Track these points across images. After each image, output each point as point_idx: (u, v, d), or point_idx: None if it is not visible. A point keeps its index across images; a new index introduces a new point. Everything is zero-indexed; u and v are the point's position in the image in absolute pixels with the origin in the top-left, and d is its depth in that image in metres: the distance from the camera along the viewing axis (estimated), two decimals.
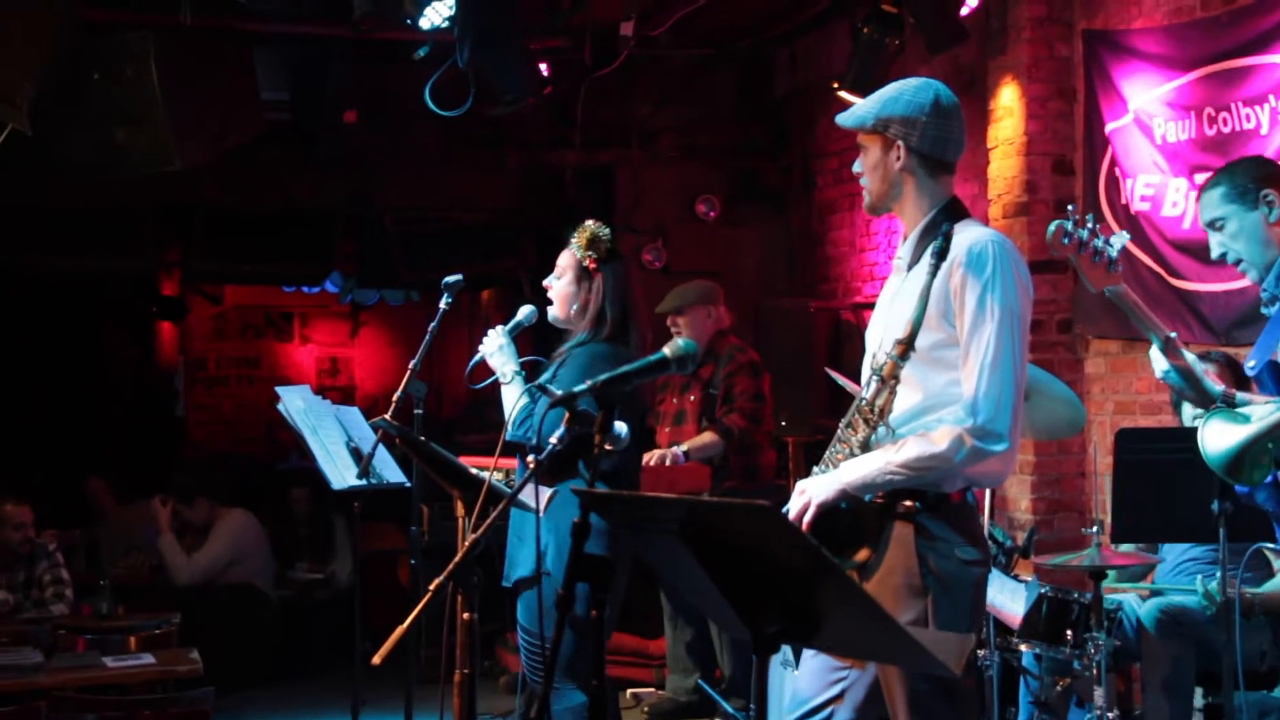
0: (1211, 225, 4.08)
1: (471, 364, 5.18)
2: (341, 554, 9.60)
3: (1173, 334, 3.76)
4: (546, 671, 2.85)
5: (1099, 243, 3.52)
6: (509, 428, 4.88)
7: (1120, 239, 3.60)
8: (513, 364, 5.11)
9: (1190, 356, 3.81)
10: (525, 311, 5.25)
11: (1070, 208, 3.56)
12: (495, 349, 5.15)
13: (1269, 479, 3.87)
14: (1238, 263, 4.02)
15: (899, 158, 3.71)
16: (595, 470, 3.04)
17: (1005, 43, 7.48)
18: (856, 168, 3.83)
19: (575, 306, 5.20)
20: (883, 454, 3.56)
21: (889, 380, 3.53)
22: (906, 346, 3.49)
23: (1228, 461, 3.74)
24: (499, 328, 5.21)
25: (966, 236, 3.59)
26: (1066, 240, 3.49)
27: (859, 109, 3.79)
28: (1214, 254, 4.11)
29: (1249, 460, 3.70)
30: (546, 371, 5.14)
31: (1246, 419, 3.68)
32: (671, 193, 10.38)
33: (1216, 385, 3.81)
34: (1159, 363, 3.77)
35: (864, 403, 3.59)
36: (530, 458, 4.66)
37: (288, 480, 10.57)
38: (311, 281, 13.88)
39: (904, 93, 3.74)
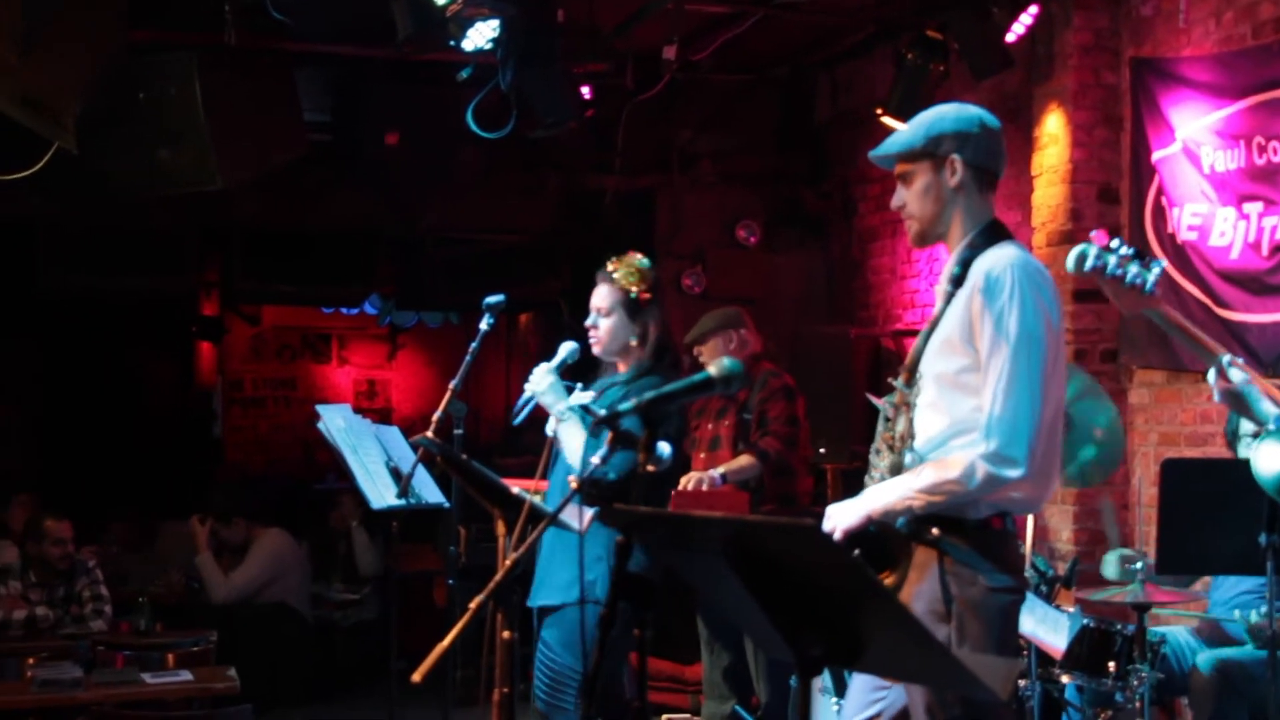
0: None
1: (520, 403, 5.08)
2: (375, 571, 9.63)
3: (1225, 356, 3.60)
4: (587, 692, 2.82)
5: (1132, 268, 3.40)
6: (578, 465, 4.83)
7: (1158, 266, 3.46)
8: (564, 400, 5.01)
9: (1240, 376, 3.64)
10: (568, 349, 5.14)
11: (1093, 233, 3.45)
12: (546, 387, 5.04)
13: None
14: None
15: (954, 173, 3.69)
16: (639, 490, 3.02)
17: (1052, 70, 7.44)
18: (896, 201, 3.78)
19: (634, 339, 5.12)
20: (905, 480, 3.58)
21: (901, 407, 3.57)
22: (910, 374, 3.55)
23: None
24: (544, 365, 5.12)
25: (986, 260, 3.58)
26: (1087, 267, 3.39)
27: (900, 137, 3.76)
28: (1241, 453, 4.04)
29: None
30: (604, 401, 5.08)
31: None
32: (712, 218, 10.36)
33: (1273, 408, 3.67)
34: (1214, 385, 3.64)
35: (886, 428, 3.64)
36: (572, 477, 4.63)
37: (324, 501, 10.58)
38: (350, 303, 13.92)
39: (947, 112, 3.75)
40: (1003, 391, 3.48)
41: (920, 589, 3.54)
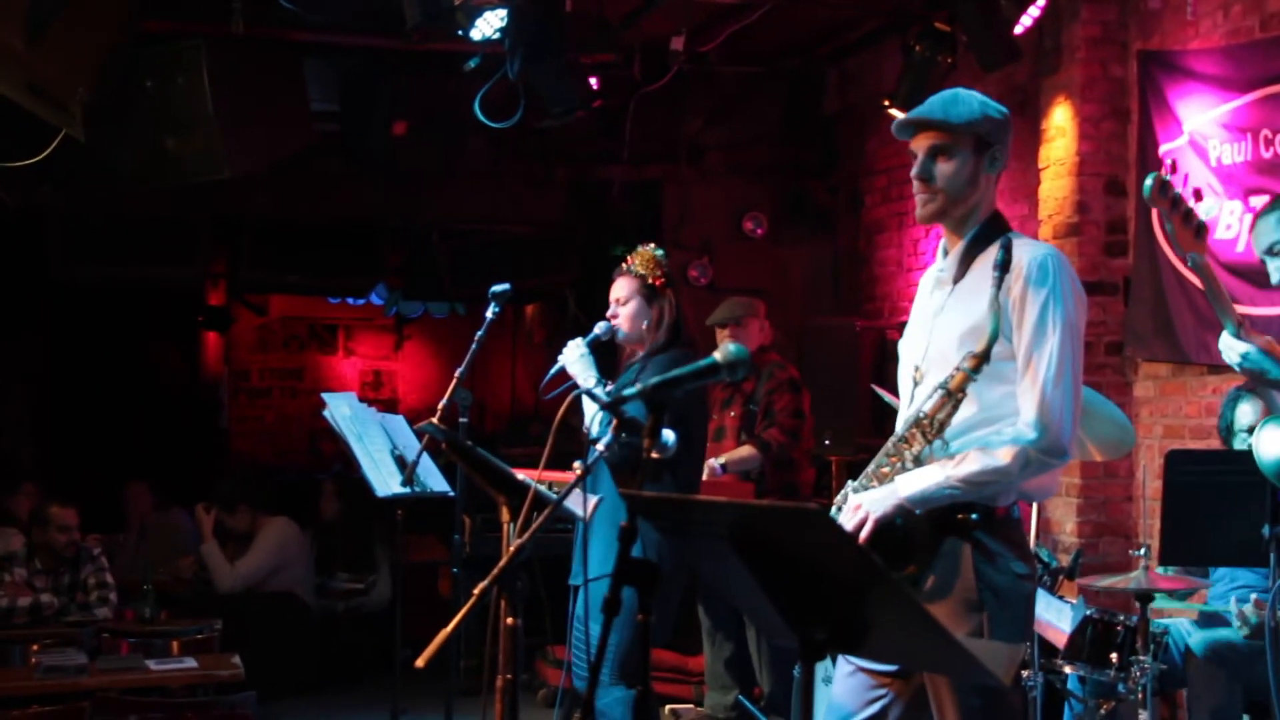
0: (1270, 251, 3.97)
1: (551, 372, 5.21)
2: (382, 565, 9.63)
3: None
4: (593, 670, 2.83)
5: (1192, 204, 3.46)
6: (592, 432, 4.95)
7: (1210, 206, 3.56)
8: (593, 373, 5.18)
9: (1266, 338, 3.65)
10: (601, 326, 5.34)
11: (1170, 162, 3.54)
12: (576, 358, 5.21)
13: None
14: None
15: (994, 162, 3.69)
16: (644, 475, 3.02)
17: (1059, 62, 7.44)
18: (922, 171, 3.68)
19: (647, 322, 5.31)
20: (941, 468, 3.52)
21: (955, 393, 3.49)
22: (981, 360, 3.45)
23: None
24: (578, 339, 5.28)
25: (1025, 249, 3.57)
26: (1164, 194, 3.42)
27: (958, 109, 3.67)
28: (1274, 279, 4.02)
29: None
30: (623, 381, 5.18)
31: None
32: (719, 209, 10.37)
33: None
34: (1233, 350, 3.64)
35: (923, 415, 3.54)
36: (576, 464, 4.66)
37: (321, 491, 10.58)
38: (357, 293, 13.90)
39: (986, 99, 3.73)
40: (1053, 381, 3.48)
41: (952, 579, 3.52)
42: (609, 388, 5.18)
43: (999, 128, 3.70)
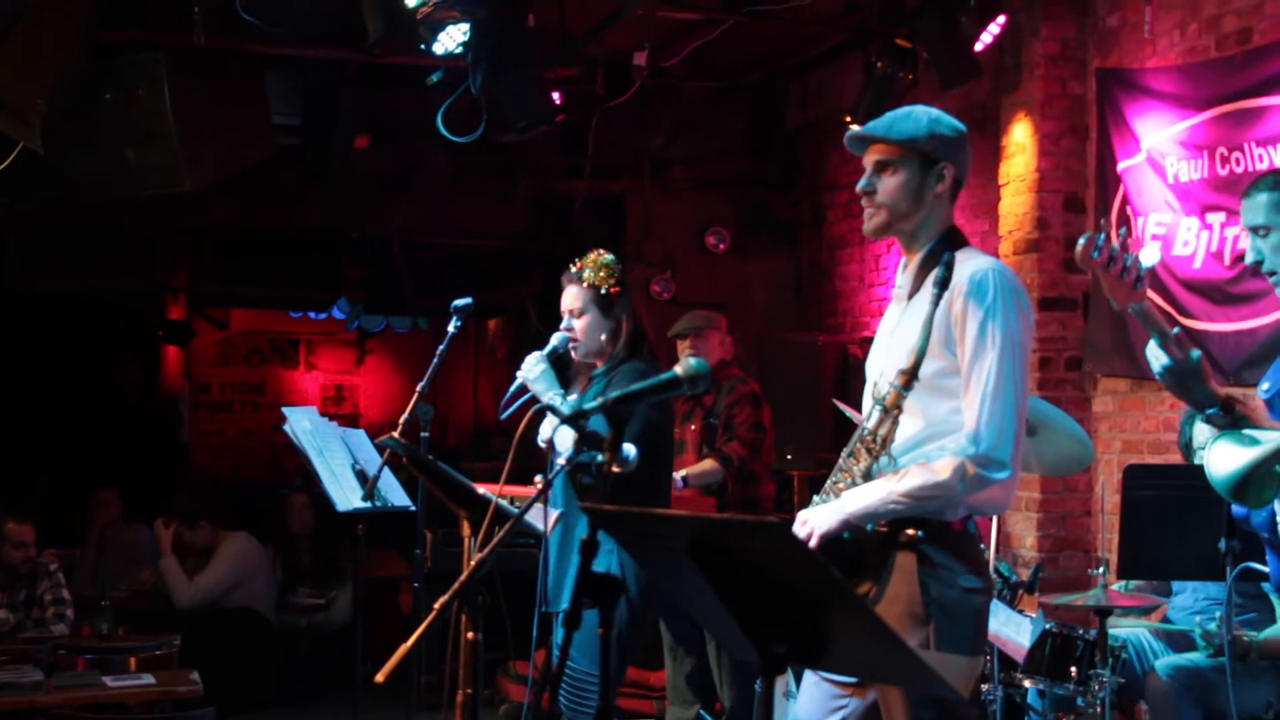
0: (1254, 230, 3.92)
1: (511, 390, 5.07)
2: (344, 580, 9.57)
3: (1176, 329, 3.59)
4: (556, 677, 2.82)
5: (1129, 258, 3.42)
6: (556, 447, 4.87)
7: (1152, 254, 3.47)
8: (555, 388, 5.02)
9: (1197, 352, 3.62)
10: (558, 338, 5.13)
11: (1103, 220, 3.49)
12: (538, 374, 5.03)
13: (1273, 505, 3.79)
14: (1271, 274, 3.88)
15: (942, 181, 3.69)
16: (604, 489, 3.02)
17: (1019, 79, 7.49)
18: (866, 185, 3.71)
19: (605, 334, 5.12)
20: (885, 483, 3.53)
21: (892, 410, 3.50)
22: (910, 376, 3.47)
23: (1234, 483, 3.65)
24: (536, 353, 5.09)
25: (968, 265, 3.58)
26: (1096, 254, 3.40)
27: (903, 125, 3.70)
28: (1248, 259, 3.96)
29: (1256, 482, 3.61)
30: (590, 393, 5.08)
31: (1255, 441, 3.60)
32: (681, 224, 10.39)
33: (1218, 389, 3.65)
34: (1156, 359, 3.63)
35: (866, 432, 3.57)
36: (538, 478, 4.64)
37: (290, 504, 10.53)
38: (318, 307, 13.87)
39: (941, 116, 3.74)
40: (990, 395, 3.49)
41: (897, 592, 3.53)
42: (571, 399, 5.12)
43: (948, 144, 3.70)
